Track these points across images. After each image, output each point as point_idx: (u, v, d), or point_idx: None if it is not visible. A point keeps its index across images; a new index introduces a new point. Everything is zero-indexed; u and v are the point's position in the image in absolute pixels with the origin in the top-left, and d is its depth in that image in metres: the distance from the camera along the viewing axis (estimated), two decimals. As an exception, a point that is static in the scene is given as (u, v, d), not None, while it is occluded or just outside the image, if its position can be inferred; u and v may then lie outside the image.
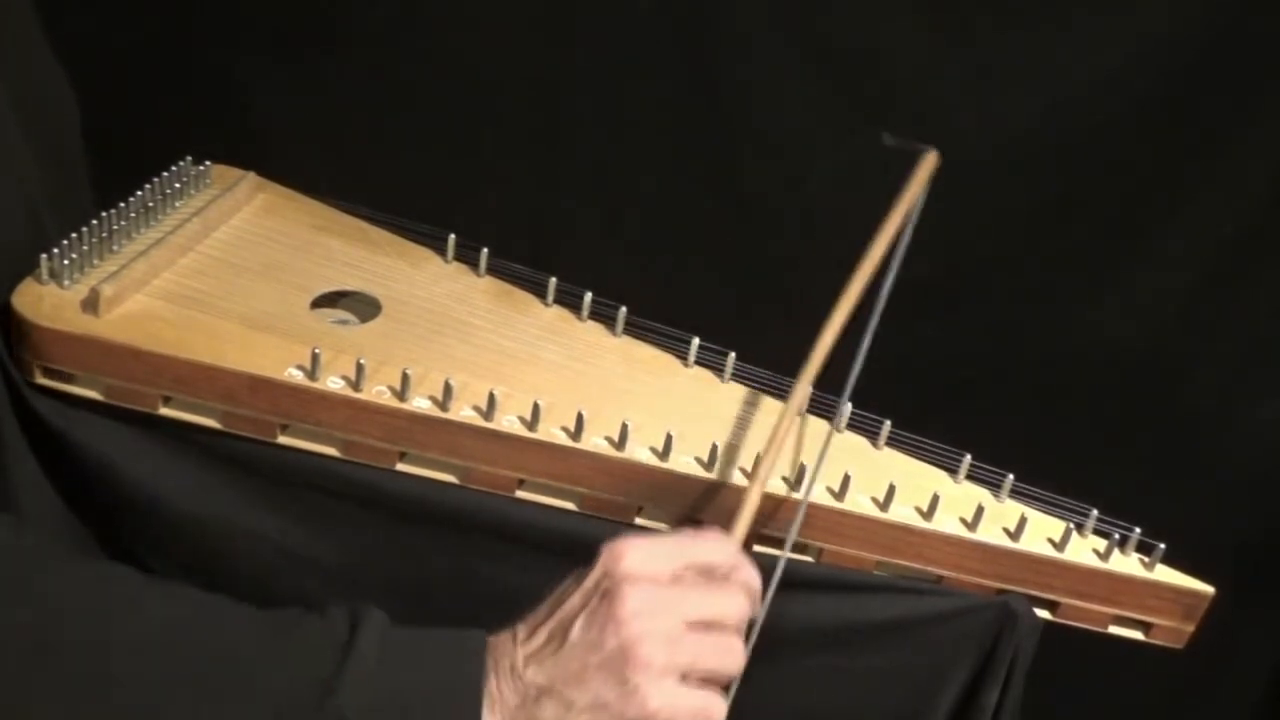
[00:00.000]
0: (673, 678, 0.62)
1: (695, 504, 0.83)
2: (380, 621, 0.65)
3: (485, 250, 0.98)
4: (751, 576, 0.68)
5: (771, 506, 0.82)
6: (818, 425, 0.88)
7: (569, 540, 0.84)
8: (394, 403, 0.82)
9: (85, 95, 1.04)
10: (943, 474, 0.88)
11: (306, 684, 0.61)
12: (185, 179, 0.98)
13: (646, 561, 0.64)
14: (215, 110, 1.08)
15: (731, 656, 0.65)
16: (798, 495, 0.81)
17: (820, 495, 0.83)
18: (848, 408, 0.88)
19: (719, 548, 0.68)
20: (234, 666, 0.63)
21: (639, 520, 0.85)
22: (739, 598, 0.67)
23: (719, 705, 0.65)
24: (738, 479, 0.83)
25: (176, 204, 0.97)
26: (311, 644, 0.63)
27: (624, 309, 0.94)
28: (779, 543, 0.80)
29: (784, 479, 0.83)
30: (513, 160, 1.09)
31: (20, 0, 0.96)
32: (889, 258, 0.89)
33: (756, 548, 0.82)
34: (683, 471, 0.83)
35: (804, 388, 0.82)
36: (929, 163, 0.94)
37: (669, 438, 0.83)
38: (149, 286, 0.88)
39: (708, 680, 0.64)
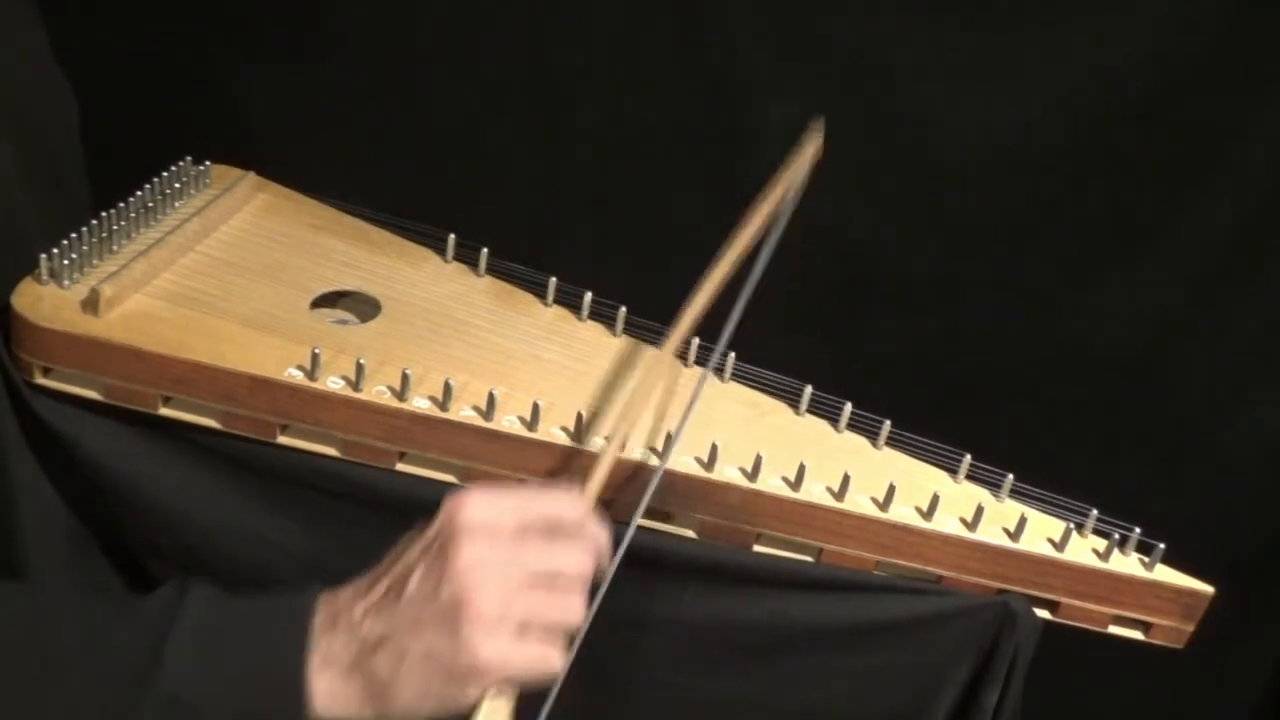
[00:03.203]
0: (507, 629, 0.61)
1: (695, 504, 0.83)
2: (206, 594, 0.64)
3: (485, 250, 0.98)
4: (598, 533, 0.67)
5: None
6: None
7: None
8: (394, 403, 0.82)
9: (85, 95, 1.04)
10: (943, 474, 0.88)
11: (134, 662, 0.61)
12: (185, 179, 0.98)
13: (487, 513, 0.63)
14: (215, 110, 1.08)
15: (569, 610, 0.64)
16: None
17: (820, 495, 0.83)
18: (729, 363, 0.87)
19: (566, 503, 0.67)
20: (65, 653, 0.63)
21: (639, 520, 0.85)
22: (582, 552, 0.66)
23: (555, 657, 0.64)
24: (735, 477, 0.83)
25: (176, 204, 0.97)
26: (139, 623, 0.63)
27: (624, 309, 0.94)
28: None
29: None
30: (513, 160, 1.09)
31: (14, 5, 0.96)
32: (764, 237, 0.88)
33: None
34: (682, 471, 0.83)
35: (665, 357, 0.81)
36: (814, 140, 0.93)
37: (669, 438, 0.82)
38: (149, 286, 0.88)
39: (546, 633, 0.63)
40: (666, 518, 0.85)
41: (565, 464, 0.83)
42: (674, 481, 0.83)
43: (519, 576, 0.63)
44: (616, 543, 0.70)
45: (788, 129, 1.04)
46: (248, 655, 0.62)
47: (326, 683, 0.61)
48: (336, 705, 0.61)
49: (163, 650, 0.61)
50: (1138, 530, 0.84)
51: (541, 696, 0.66)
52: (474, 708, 0.62)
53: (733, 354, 0.92)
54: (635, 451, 0.83)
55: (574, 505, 0.67)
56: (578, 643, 0.67)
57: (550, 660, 0.64)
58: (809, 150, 0.92)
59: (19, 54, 0.97)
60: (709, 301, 0.83)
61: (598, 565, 0.67)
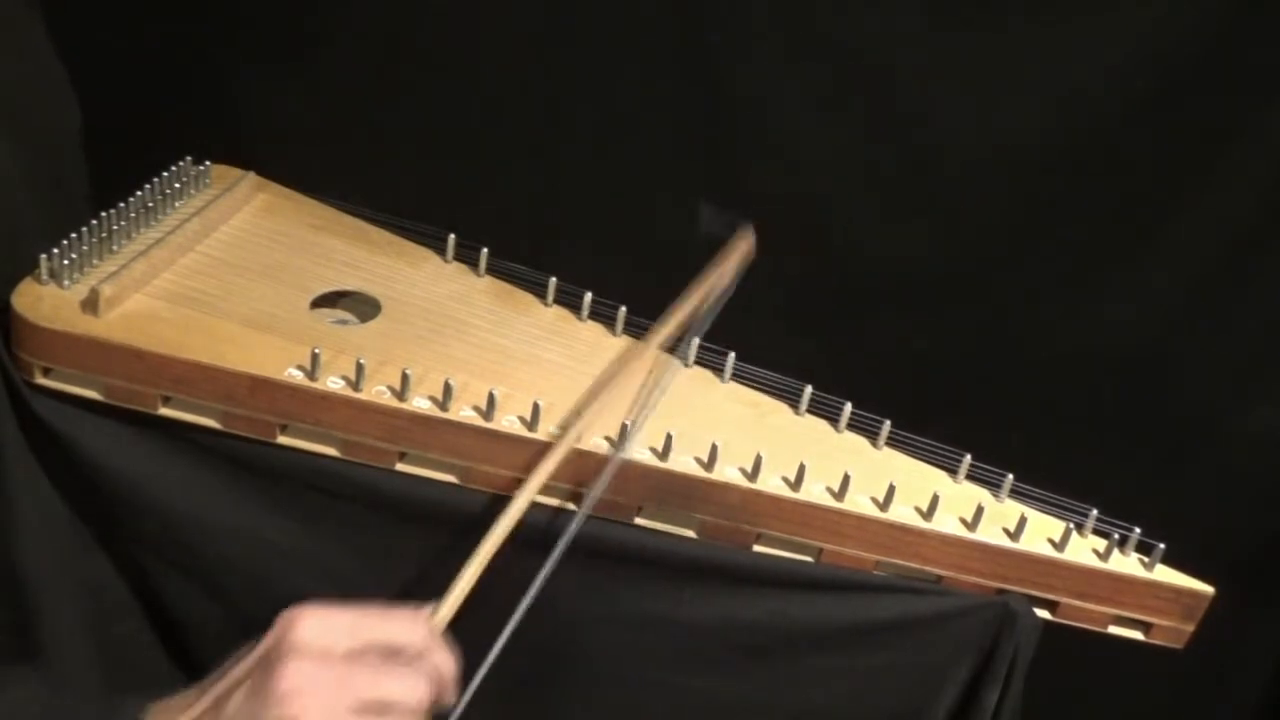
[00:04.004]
0: None
1: (695, 504, 0.84)
2: (30, 692, 0.62)
3: (485, 250, 0.98)
4: (442, 662, 0.65)
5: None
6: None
7: (568, 541, 0.84)
8: (394, 403, 0.82)
9: (85, 95, 1.04)
10: (943, 474, 0.88)
11: None
12: (185, 179, 0.98)
13: (320, 633, 0.61)
14: (215, 110, 1.08)
15: None
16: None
17: (820, 495, 0.83)
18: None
19: (409, 628, 0.64)
20: None
21: (639, 520, 0.85)
22: (418, 682, 0.63)
23: None
24: (735, 477, 0.83)
25: (176, 204, 0.97)
26: None
27: (624, 309, 0.94)
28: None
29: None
30: (513, 160, 1.09)
31: (13, 5, 0.96)
32: (686, 328, 0.89)
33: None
34: (682, 471, 0.83)
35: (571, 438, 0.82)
36: (744, 243, 0.94)
37: (669, 437, 0.83)
38: (149, 286, 0.88)
39: None
40: (636, 511, 0.85)
41: (565, 464, 0.83)
42: (674, 481, 0.83)
43: (346, 705, 0.60)
44: (560, 535, 0.69)
45: (789, 130, 1.04)
46: None
47: None
48: None
49: None
50: (1138, 530, 0.84)
51: None
52: None
53: (733, 354, 0.92)
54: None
55: (416, 630, 0.65)
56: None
57: None
58: (738, 253, 0.93)
59: (18, 53, 0.97)
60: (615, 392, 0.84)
61: (440, 695, 0.65)
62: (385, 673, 0.62)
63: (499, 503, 0.84)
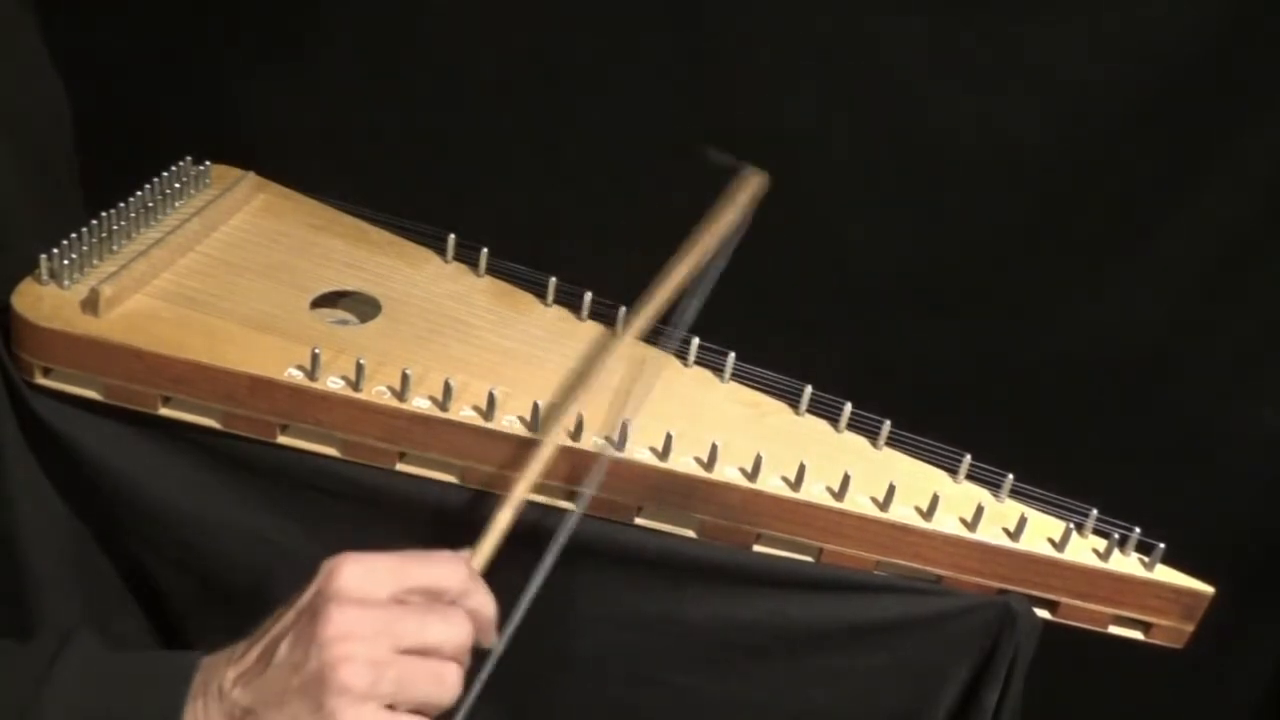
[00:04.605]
0: (374, 704, 0.60)
1: (695, 504, 0.83)
2: (85, 646, 0.63)
3: (485, 250, 0.98)
4: (483, 604, 0.66)
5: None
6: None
7: (569, 540, 0.84)
8: (394, 403, 0.82)
9: (85, 95, 1.04)
10: (943, 474, 0.88)
11: (12, 705, 0.60)
12: (185, 179, 0.98)
13: (362, 581, 0.62)
14: (214, 110, 1.08)
15: (443, 685, 0.62)
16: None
17: (820, 495, 0.83)
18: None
19: (448, 571, 0.65)
20: None
21: (639, 520, 0.85)
22: (461, 625, 0.64)
23: None
24: (735, 477, 0.83)
25: (176, 204, 0.97)
26: (14, 674, 0.62)
27: (624, 309, 0.94)
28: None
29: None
30: (513, 160, 1.09)
31: (7, 5, 0.96)
32: (695, 279, 0.87)
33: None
34: (682, 471, 0.83)
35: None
36: (753, 183, 0.92)
37: (669, 437, 0.83)
38: (149, 286, 0.88)
39: (417, 710, 0.62)
40: (636, 511, 0.85)
41: (565, 464, 0.83)
42: (674, 481, 0.83)
43: (390, 648, 0.61)
44: (555, 536, 0.69)
45: (788, 130, 1.04)
46: (123, 711, 0.61)
47: None
48: None
49: (42, 696, 0.60)
50: (1138, 530, 0.84)
51: None
52: None
53: (733, 354, 0.92)
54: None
55: (456, 573, 0.65)
56: (462, 716, 0.65)
57: None
58: (745, 193, 0.90)
59: (17, 53, 0.97)
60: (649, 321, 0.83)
61: (480, 636, 0.66)
62: (427, 615, 0.63)
63: (499, 502, 0.84)
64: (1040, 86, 0.99)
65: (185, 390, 0.83)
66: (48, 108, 1.02)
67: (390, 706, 0.60)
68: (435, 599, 0.64)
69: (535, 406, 0.82)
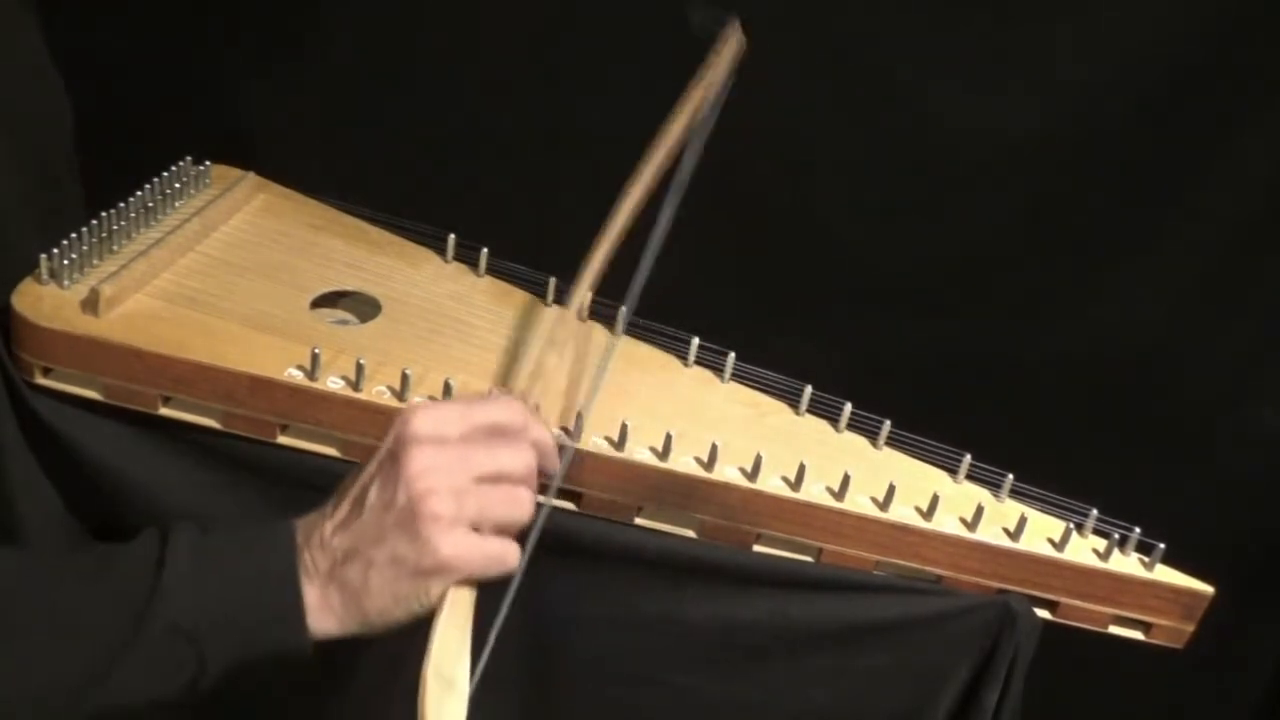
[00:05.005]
0: (463, 528, 0.65)
1: (695, 504, 0.83)
2: (189, 531, 0.67)
3: (485, 250, 0.98)
4: (540, 434, 0.72)
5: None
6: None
7: (568, 540, 0.84)
8: (394, 403, 0.82)
9: (85, 95, 1.04)
10: (943, 474, 0.88)
11: (127, 605, 0.63)
12: (185, 179, 0.98)
13: (433, 423, 0.67)
14: (214, 110, 1.08)
15: (519, 505, 0.68)
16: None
17: (820, 495, 0.83)
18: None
19: (508, 409, 0.71)
20: (56, 615, 0.65)
21: (639, 520, 0.85)
22: (525, 452, 0.70)
23: (512, 551, 0.67)
24: (735, 477, 0.83)
25: (176, 204, 0.97)
26: (126, 570, 0.65)
27: (624, 309, 0.94)
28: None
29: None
30: (513, 160, 1.09)
31: (8, 5, 0.96)
32: (685, 144, 0.88)
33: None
34: (682, 471, 0.83)
35: (588, 280, 0.84)
36: (733, 39, 0.92)
37: (668, 437, 0.83)
38: (149, 286, 0.88)
39: (500, 530, 0.67)
40: (636, 511, 0.84)
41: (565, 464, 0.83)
42: (674, 481, 0.83)
43: (468, 478, 0.66)
44: (532, 524, 0.70)
45: (788, 129, 1.04)
46: (241, 576, 0.65)
47: (310, 597, 0.65)
48: (318, 618, 0.65)
49: (159, 580, 0.64)
50: (1138, 530, 0.84)
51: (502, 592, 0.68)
52: (440, 602, 0.65)
53: (733, 354, 0.92)
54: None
55: (514, 410, 0.71)
56: (532, 539, 0.69)
57: (507, 554, 0.67)
58: (728, 50, 0.92)
59: (17, 53, 0.97)
60: (627, 223, 0.84)
61: (543, 463, 0.71)
62: (495, 446, 0.68)
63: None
64: (1040, 86, 1.00)
65: (185, 390, 0.83)
66: (49, 108, 1.02)
67: (475, 529, 0.66)
68: (498, 433, 0.69)
69: (535, 407, 0.82)
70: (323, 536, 0.66)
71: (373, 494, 0.66)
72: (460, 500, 0.66)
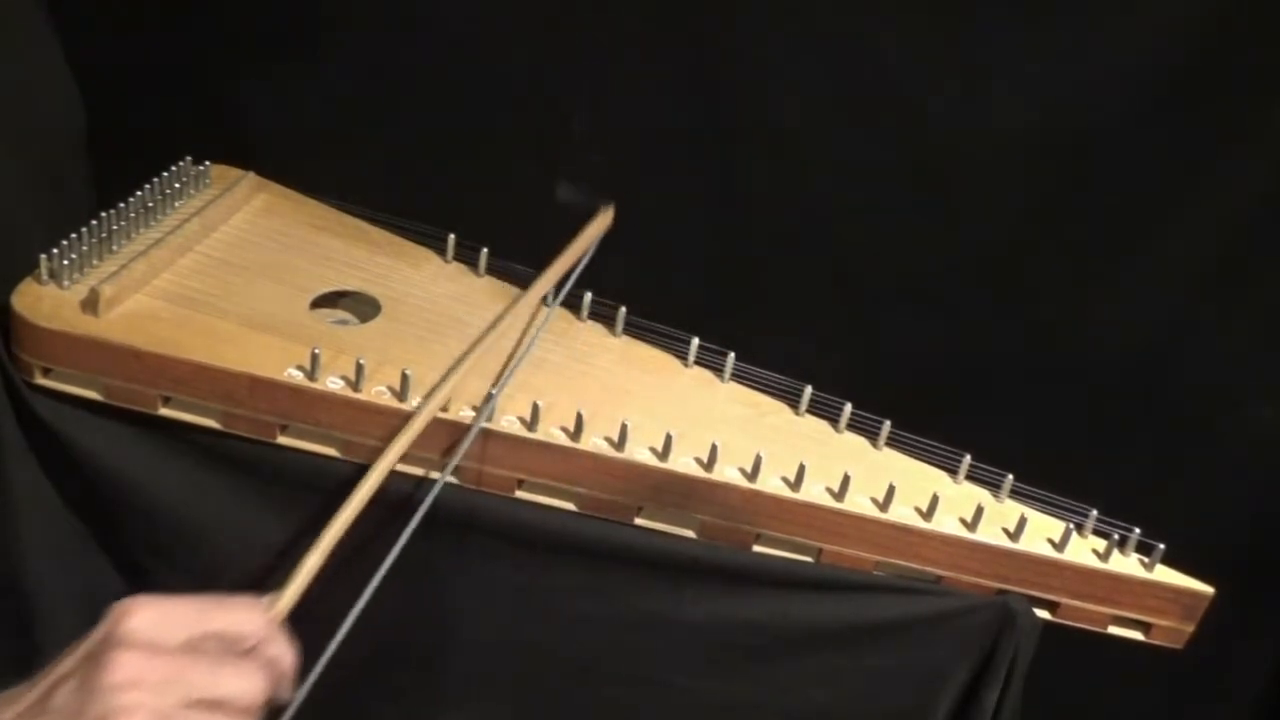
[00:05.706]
0: None
1: (695, 504, 0.83)
2: None
3: (485, 250, 0.98)
4: (281, 654, 0.63)
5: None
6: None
7: (568, 540, 0.84)
8: (394, 403, 0.82)
9: (85, 96, 1.04)
10: (943, 474, 0.88)
11: None
12: (185, 179, 0.98)
13: (153, 624, 0.58)
14: (215, 110, 1.08)
15: None
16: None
17: (820, 495, 0.83)
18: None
19: (246, 618, 0.62)
20: None
21: (639, 520, 0.85)
22: (253, 676, 0.60)
23: None
24: (735, 477, 0.83)
25: (176, 204, 0.97)
26: None
27: (624, 309, 0.94)
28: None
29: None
30: (513, 160, 1.09)
31: (19, 11, 0.96)
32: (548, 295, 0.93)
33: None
34: (682, 471, 0.83)
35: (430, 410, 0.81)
36: (603, 219, 0.98)
37: (669, 438, 0.83)
38: (148, 287, 0.88)
39: None
40: (636, 511, 0.84)
41: (565, 464, 0.83)
42: (674, 481, 0.83)
43: (178, 700, 0.57)
44: (418, 505, 0.68)
45: (788, 130, 1.04)
46: None
47: None
48: None
49: None
50: (1138, 530, 0.84)
51: None
52: None
53: (733, 354, 0.92)
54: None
55: (253, 620, 0.62)
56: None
57: None
58: (595, 229, 0.96)
59: (17, 54, 0.97)
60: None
61: (277, 688, 0.63)
62: (220, 666, 0.59)
63: (501, 503, 0.84)
64: (1041, 86, 1.00)
65: (185, 390, 0.83)
66: (63, 117, 1.02)
67: None
68: (230, 647, 0.61)
69: (535, 407, 0.82)
70: None
71: (61, 695, 0.56)
72: None
